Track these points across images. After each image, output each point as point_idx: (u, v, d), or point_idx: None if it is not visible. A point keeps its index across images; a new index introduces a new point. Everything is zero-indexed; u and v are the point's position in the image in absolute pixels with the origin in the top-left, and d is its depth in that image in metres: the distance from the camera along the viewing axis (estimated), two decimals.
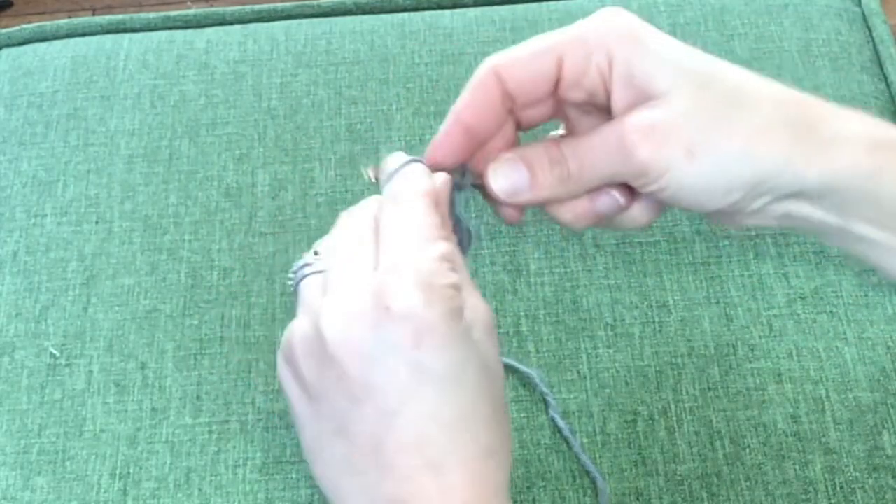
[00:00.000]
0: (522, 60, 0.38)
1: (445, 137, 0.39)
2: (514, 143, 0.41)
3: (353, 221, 0.39)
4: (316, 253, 0.39)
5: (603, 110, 0.39)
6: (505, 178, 0.39)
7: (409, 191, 0.38)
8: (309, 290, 0.37)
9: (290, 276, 0.39)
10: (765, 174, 0.37)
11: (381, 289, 0.34)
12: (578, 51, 0.37)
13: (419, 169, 0.38)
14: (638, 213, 0.40)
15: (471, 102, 0.38)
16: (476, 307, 0.36)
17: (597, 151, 0.38)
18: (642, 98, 0.37)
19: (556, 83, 0.38)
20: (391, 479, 0.35)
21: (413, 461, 0.34)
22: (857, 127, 0.38)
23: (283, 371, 0.37)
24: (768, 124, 0.37)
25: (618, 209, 0.40)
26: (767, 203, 0.38)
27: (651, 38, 0.37)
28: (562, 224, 0.41)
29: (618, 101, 0.37)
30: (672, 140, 0.36)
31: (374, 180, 0.40)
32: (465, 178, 0.40)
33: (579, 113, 0.40)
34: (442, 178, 0.38)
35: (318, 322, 0.35)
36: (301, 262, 0.39)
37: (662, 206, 0.40)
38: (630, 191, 0.40)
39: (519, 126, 0.41)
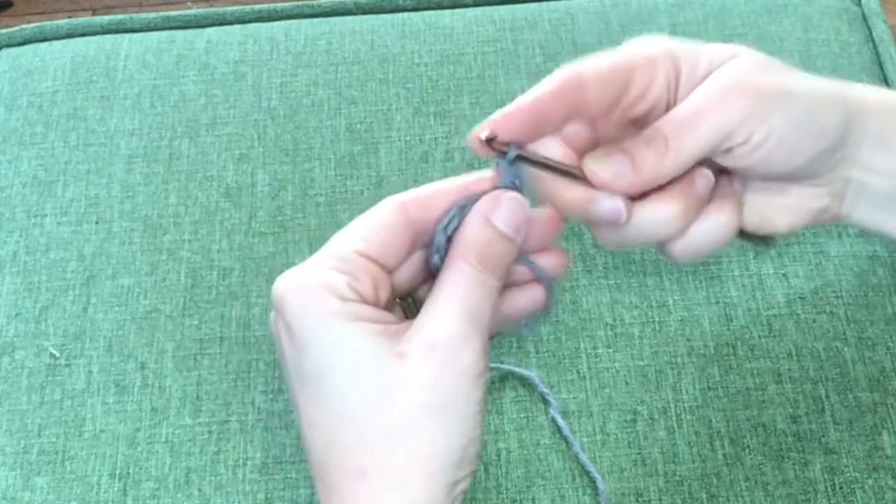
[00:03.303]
0: (604, 71, 0.36)
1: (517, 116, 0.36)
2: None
3: None
4: None
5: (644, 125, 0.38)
6: (605, 165, 0.36)
7: (393, 197, 0.37)
8: None
9: None
10: (852, 116, 0.38)
11: (278, 283, 0.35)
12: (648, 64, 0.37)
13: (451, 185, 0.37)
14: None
15: (551, 99, 0.36)
16: (430, 322, 0.34)
17: (693, 114, 0.36)
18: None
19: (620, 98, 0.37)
20: (319, 478, 0.34)
21: (312, 468, 0.34)
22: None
23: None
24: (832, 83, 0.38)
25: (710, 186, 0.39)
26: (839, 162, 0.38)
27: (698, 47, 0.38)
28: (670, 252, 0.38)
29: (683, 96, 0.37)
30: (768, 83, 0.36)
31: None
32: (511, 151, 0.36)
33: (618, 131, 0.39)
34: (433, 188, 0.37)
35: None
36: None
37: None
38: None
39: None
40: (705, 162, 0.37)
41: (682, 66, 0.37)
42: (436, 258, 0.36)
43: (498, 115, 0.35)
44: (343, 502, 0.33)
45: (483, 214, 0.35)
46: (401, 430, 0.33)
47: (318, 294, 0.34)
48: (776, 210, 0.40)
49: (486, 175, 0.36)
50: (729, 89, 0.36)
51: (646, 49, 0.37)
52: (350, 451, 0.33)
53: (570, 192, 0.37)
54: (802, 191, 0.40)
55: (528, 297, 0.39)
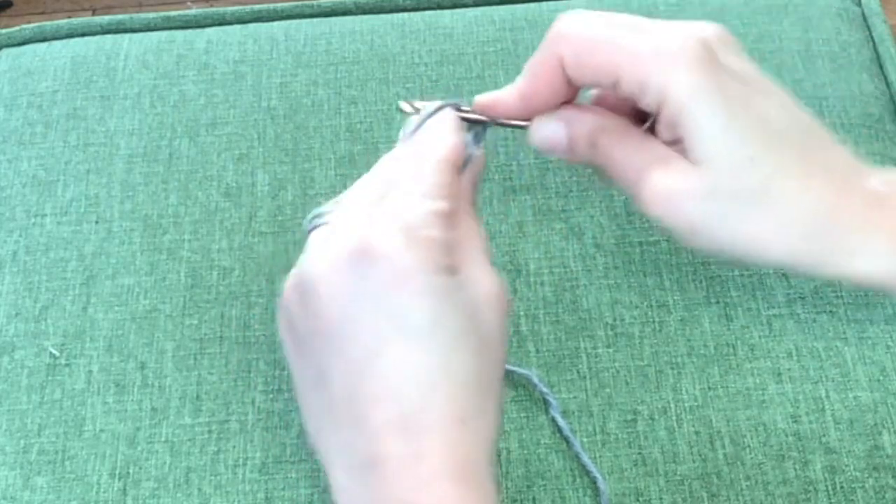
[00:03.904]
0: (584, 58, 0.37)
1: (504, 102, 0.40)
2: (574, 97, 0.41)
3: (373, 173, 0.39)
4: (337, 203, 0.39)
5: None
6: (544, 137, 0.40)
7: (429, 148, 0.38)
8: (313, 239, 0.37)
9: (305, 224, 0.39)
10: (767, 266, 0.39)
11: (367, 231, 0.35)
12: (635, 75, 0.36)
13: (447, 122, 0.39)
14: None
15: (531, 86, 0.39)
16: (479, 279, 0.36)
17: (622, 170, 0.39)
18: (680, 143, 0.37)
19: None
20: (364, 435, 0.34)
21: (383, 416, 0.34)
22: (883, 246, 0.36)
23: (279, 318, 0.38)
24: (785, 229, 0.36)
25: None
26: None
27: (710, 96, 0.36)
28: None
29: (661, 131, 0.38)
30: (683, 215, 0.37)
31: (410, 111, 0.40)
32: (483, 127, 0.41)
33: None
34: (454, 140, 0.39)
35: (303, 265, 0.36)
36: (316, 212, 0.38)
37: None
38: None
39: None
40: None
41: (665, 102, 0.36)
42: None
43: (487, 103, 0.40)
44: (447, 445, 0.34)
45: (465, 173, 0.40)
46: (493, 380, 0.36)
47: (434, 248, 0.35)
48: None
49: (452, 115, 0.40)
50: (656, 198, 0.37)
51: (640, 47, 0.36)
52: (456, 397, 0.34)
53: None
54: None
55: None
